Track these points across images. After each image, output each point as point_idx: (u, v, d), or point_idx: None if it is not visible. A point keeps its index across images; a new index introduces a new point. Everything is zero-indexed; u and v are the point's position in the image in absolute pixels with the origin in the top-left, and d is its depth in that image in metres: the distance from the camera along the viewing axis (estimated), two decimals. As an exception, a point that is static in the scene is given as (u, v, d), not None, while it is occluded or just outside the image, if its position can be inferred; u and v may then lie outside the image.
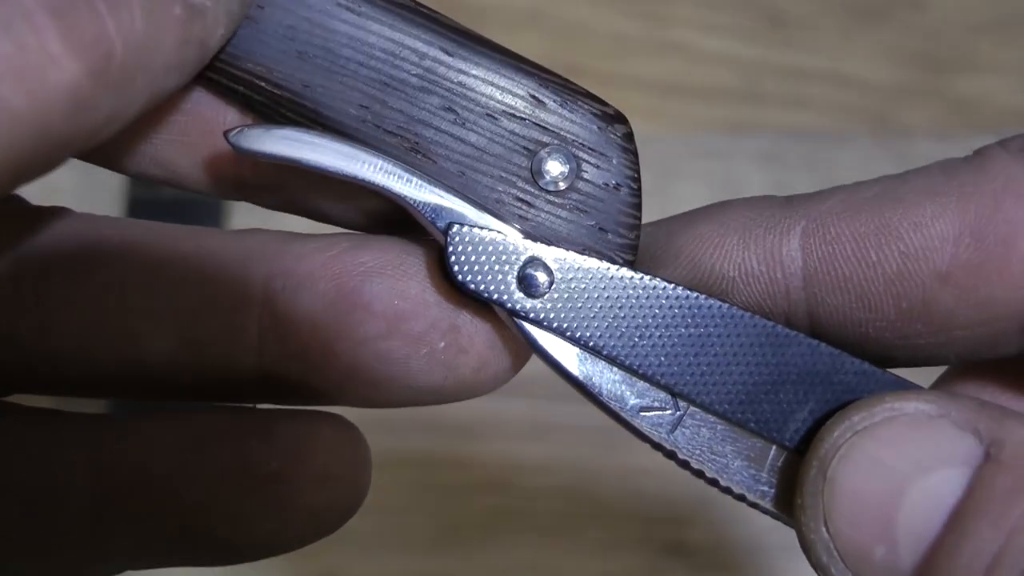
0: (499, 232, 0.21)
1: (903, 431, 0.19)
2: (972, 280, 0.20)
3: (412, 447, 0.50)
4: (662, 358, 0.21)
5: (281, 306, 0.22)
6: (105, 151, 0.22)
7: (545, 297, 0.21)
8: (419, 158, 0.21)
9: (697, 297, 0.21)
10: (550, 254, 0.21)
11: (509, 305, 0.21)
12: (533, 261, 0.21)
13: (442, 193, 0.21)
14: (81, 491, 0.22)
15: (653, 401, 0.21)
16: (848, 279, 0.21)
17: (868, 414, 0.19)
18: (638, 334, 0.21)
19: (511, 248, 0.21)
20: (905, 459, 0.19)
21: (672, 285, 0.21)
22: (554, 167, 0.21)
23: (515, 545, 0.50)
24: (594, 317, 0.21)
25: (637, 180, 0.22)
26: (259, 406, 0.23)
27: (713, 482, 0.22)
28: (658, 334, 0.21)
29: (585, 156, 0.21)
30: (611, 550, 0.50)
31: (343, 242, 0.22)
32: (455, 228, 0.21)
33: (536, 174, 0.21)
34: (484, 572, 0.50)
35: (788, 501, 0.21)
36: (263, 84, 0.21)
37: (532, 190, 0.21)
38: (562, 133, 0.21)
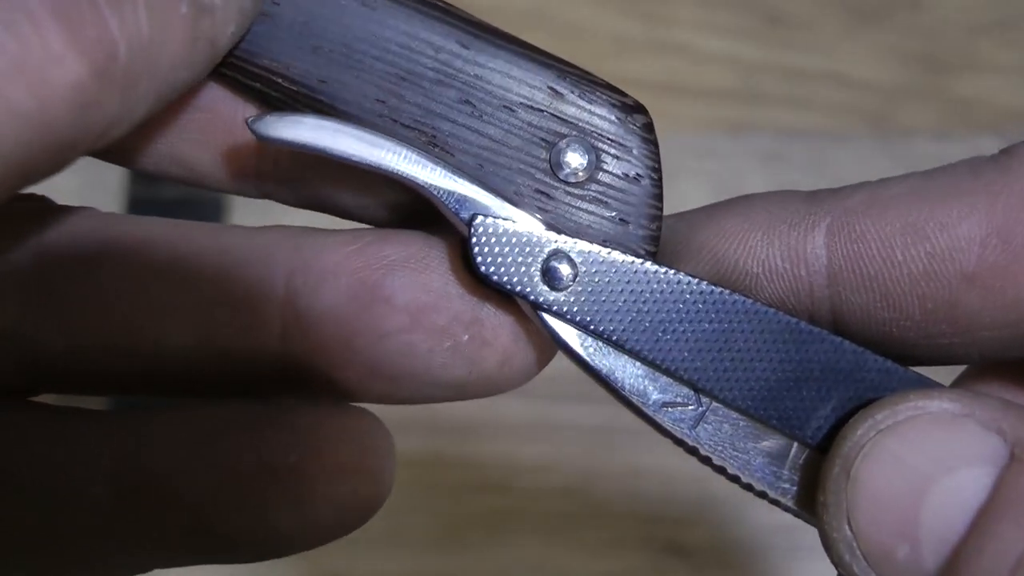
0: (523, 224, 0.21)
1: (927, 430, 0.19)
2: (999, 282, 0.19)
3: (412, 447, 0.50)
4: (685, 353, 0.21)
5: (302, 301, 0.21)
6: (124, 149, 0.22)
7: (568, 290, 0.21)
8: (437, 151, 0.21)
9: (721, 292, 0.21)
10: (574, 247, 0.21)
11: (532, 298, 0.21)
12: (557, 253, 0.21)
13: (466, 183, 0.21)
14: (99, 489, 0.22)
15: (676, 396, 0.21)
16: (873, 278, 0.20)
17: (892, 412, 0.19)
18: (661, 328, 0.21)
19: (535, 240, 0.21)
20: (929, 458, 0.19)
21: (696, 280, 0.21)
22: (573, 159, 0.21)
23: (515, 545, 0.50)
24: (617, 311, 0.21)
25: (658, 170, 0.22)
26: (279, 400, 0.23)
27: (735, 478, 0.22)
28: (681, 329, 0.21)
29: (605, 147, 0.21)
30: (611, 550, 0.50)
31: (365, 236, 0.22)
32: (479, 219, 0.21)
33: (555, 166, 0.21)
34: (484, 572, 0.50)
35: (809, 498, 0.21)
36: (279, 80, 0.21)
37: (551, 182, 0.21)
38: (581, 124, 0.21)
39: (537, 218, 0.21)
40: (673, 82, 0.58)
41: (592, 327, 0.21)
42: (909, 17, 0.61)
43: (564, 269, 0.21)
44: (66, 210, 0.23)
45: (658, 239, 0.22)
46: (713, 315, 0.21)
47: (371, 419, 0.23)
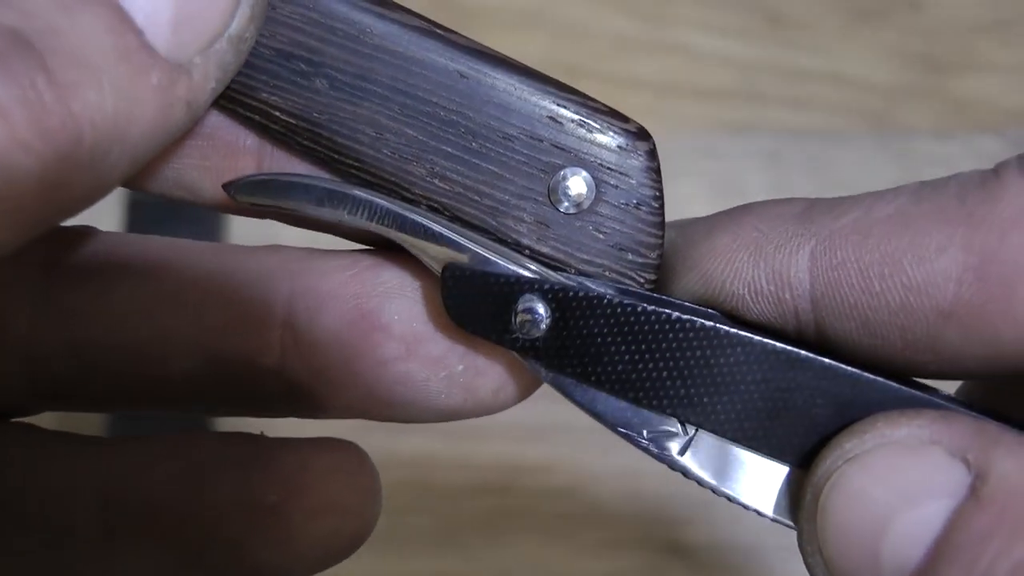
0: (498, 267, 0.21)
1: (892, 460, 0.19)
2: (975, 319, 0.19)
3: (412, 447, 0.50)
4: (665, 386, 0.21)
5: (302, 325, 0.22)
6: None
7: (544, 335, 0.21)
8: (437, 183, 0.21)
9: (697, 323, 0.21)
10: (549, 288, 0.21)
11: (507, 344, 0.21)
12: (532, 299, 0.21)
13: (440, 230, 0.21)
14: (89, 517, 0.22)
15: (661, 425, 0.21)
16: (853, 307, 0.20)
17: (859, 442, 0.19)
18: (640, 366, 0.21)
19: (509, 285, 0.21)
20: (892, 490, 0.18)
21: (671, 312, 0.21)
22: (572, 188, 0.21)
23: (515, 545, 0.50)
24: (595, 352, 0.21)
25: (659, 198, 0.21)
26: (266, 433, 0.23)
27: (728, 498, 0.21)
28: (659, 363, 0.21)
29: (605, 177, 0.21)
30: (611, 550, 0.50)
31: (364, 260, 0.22)
32: (449, 269, 0.21)
33: (554, 196, 0.21)
34: (484, 572, 0.50)
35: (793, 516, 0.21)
36: (278, 114, 0.21)
37: (550, 212, 0.21)
38: (581, 154, 0.21)
39: (528, 252, 0.21)
40: (673, 82, 0.58)
41: (569, 369, 0.21)
42: (909, 17, 0.61)
43: (539, 313, 0.21)
44: (72, 231, 0.23)
45: (657, 267, 0.21)
46: (691, 346, 0.21)
47: (357, 454, 0.23)
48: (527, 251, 0.21)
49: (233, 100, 0.21)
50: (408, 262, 0.22)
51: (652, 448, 0.21)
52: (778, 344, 0.21)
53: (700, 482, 0.21)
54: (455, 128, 0.21)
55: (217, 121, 0.21)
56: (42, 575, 0.22)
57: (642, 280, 0.21)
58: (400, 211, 0.21)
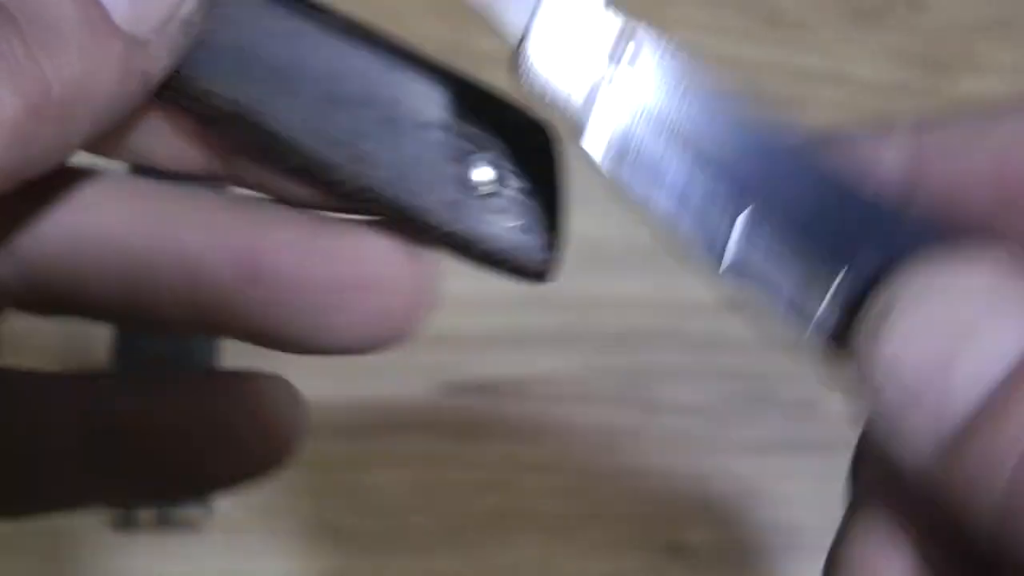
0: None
1: (984, 273, 0.19)
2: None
3: (412, 447, 0.50)
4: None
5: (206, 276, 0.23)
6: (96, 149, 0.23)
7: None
8: (365, 166, 0.23)
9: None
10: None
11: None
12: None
13: None
14: (69, 433, 0.24)
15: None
16: (951, 169, 0.22)
17: (960, 252, 0.19)
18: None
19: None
20: (971, 306, 0.19)
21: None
22: (479, 174, 0.23)
23: (515, 545, 0.50)
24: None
25: (556, 184, 0.23)
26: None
27: (770, 299, 0.22)
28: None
29: (506, 163, 0.23)
30: (611, 550, 0.50)
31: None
32: None
33: (463, 181, 0.23)
34: (484, 572, 0.50)
35: (842, 334, 0.21)
36: (218, 103, 0.22)
37: (461, 195, 0.23)
38: (486, 141, 0.23)
39: (446, 231, 0.23)
40: (673, 82, 0.58)
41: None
42: (909, 17, 0.61)
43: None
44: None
45: (555, 247, 0.23)
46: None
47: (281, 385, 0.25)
48: (440, 232, 0.23)
49: (174, 90, 0.22)
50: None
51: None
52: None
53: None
54: (378, 117, 0.23)
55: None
56: (19, 493, 0.25)
57: (539, 259, 0.23)
58: None
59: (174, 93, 0.22)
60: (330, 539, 0.51)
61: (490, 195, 0.23)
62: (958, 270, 0.19)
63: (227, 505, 0.46)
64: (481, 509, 0.50)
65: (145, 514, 0.45)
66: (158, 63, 0.21)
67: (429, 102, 0.23)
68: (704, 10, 0.60)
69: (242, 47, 0.22)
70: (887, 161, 0.22)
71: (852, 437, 0.23)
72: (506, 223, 0.23)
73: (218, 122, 0.22)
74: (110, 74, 0.19)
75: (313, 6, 0.23)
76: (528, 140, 0.24)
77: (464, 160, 0.23)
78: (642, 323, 0.54)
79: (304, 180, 0.23)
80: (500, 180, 0.23)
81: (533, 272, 0.23)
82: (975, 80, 0.60)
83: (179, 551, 0.48)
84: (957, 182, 0.21)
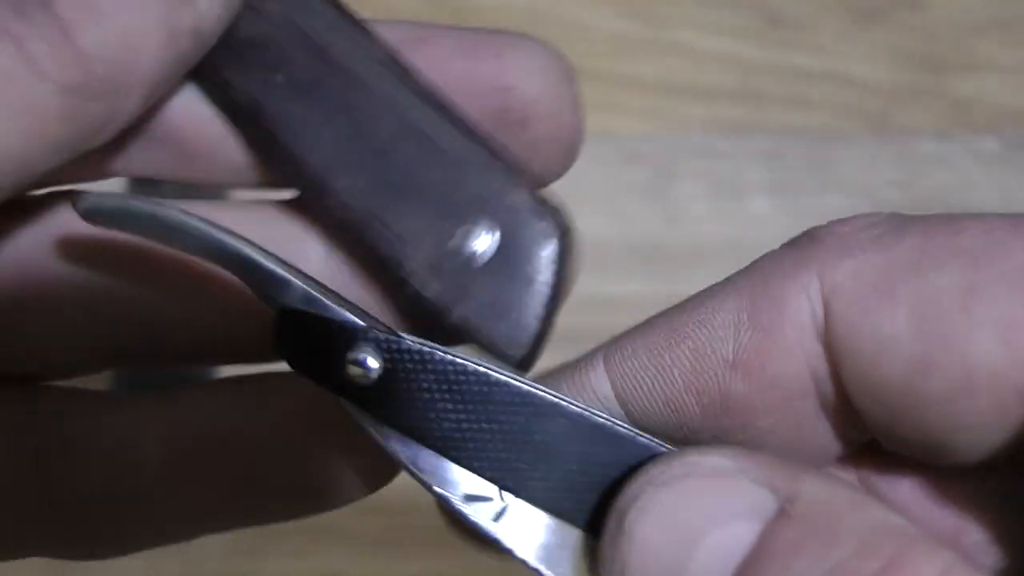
0: (332, 315, 0.21)
1: (699, 484, 0.19)
2: (757, 360, 0.20)
3: (412, 447, 0.50)
4: (487, 451, 0.21)
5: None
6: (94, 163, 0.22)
7: (373, 384, 0.21)
8: (352, 201, 0.21)
9: (521, 388, 0.21)
10: (383, 340, 0.21)
11: (337, 392, 0.21)
12: (364, 347, 0.21)
13: (276, 270, 0.21)
14: (152, 452, 0.23)
15: (479, 489, 0.21)
16: (651, 387, 0.21)
17: (667, 467, 0.19)
18: (464, 426, 0.21)
19: (342, 333, 0.21)
20: (699, 512, 0.19)
21: (501, 373, 0.21)
22: (476, 243, 0.21)
23: (515, 545, 0.50)
24: (420, 408, 0.21)
25: (553, 283, 0.22)
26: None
27: (537, 572, 0.21)
28: (484, 427, 0.21)
29: (509, 241, 0.21)
30: (611, 550, 0.50)
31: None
32: (285, 309, 0.21)
33: (456, 244, 0.21)
34: (484, 572, 0.50)
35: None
36: (234, 94, 0.21)
37: (447, 259, 0.21)
38: (495, 214, 0.21)
39: (420, 289, 0.21)
40: (673, 82, 0.58)
41: (393, 422, 0.21)
42: (909, 17, 0.61)
43: (372, 362, 0.21)
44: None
45: (534, 346, 0.22)
46: (515, 412, 0.21)
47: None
48: (412, 290, 0.22)
49: (199, 73, 0.21)
50: None
51: (466, 512, 0.21)
52: (599, 417, 0.21)
53: (511, 554, 0.21)
54: (385, 157, 0.21)
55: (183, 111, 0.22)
56: (102, 515, 0.23)
57: (511, 353, 0.22)
58: (242, 249, 0.21)
59: (196, 74, 0.21)
60: (330, 539, 0.51)
61: (477, 268, 0.21)
62: (681, 473, 0.19)
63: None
64: (481, 509, 0.50)
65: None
66: (210, 15, 0.20)
67: (446, 156, 0.21)
68: (704, 10, 0.60)
69: (274, 46, 0.22)
70: (595, 389, 0.22)
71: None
72: (485, 302, 0.22)
73: (229, 111, 0.22)
74: (154, 39, 0.19)
75: (359, 27, 0.22)
76: (537, 226, 0.22)
77: (461, 223, 0.21)
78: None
79: (301, 194, 0.22)
80: (493, 256, 0.21)
81: (505, 358, 0.22)
82: (975, 80, 0.60)
83: (179, 551, 0.48)
84: (659, 393, 0.21)
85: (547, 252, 0.22)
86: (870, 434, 0.21)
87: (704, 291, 0.22)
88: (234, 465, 0.23)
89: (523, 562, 0.21)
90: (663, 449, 0.21)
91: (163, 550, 0.24)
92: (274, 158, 0.22)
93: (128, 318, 0.23)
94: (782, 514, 0.18)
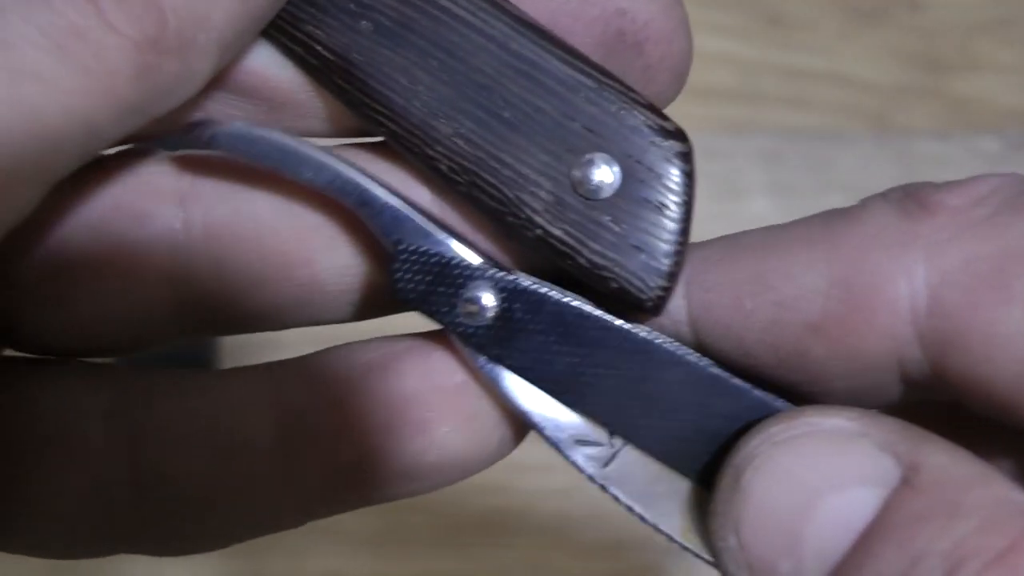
0: (450, 253, 0.21)
1: (820, 446, 0.19)
2: (841, 332, 0.19)
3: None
4: (600, 396, 0.21)
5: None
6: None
7: (488, 323, 0.21)
8: (461, 144, 0.20)
9: (643, 336, 0.20)
10: (501, 279, 0.21)
11: (449, 326, 0.21)
12: (480, 286, 0.21)
13: (398, 205, 0.21)
14: (265, 434, 0.22)
15: (589, 435, 0.21)
16: (728, 327, 0.20)
17: (787, 426, 0.19)
18: (579, 369, 0.21)
19: (461, 270, 0.21)
20: (819, 474, 0.18)
21: (620, 322, 0.20)
22: (599, 174, 0.20)
23: (515, 545, 0.50)
24: (536, 349, 0.21)
25: (684, 204, 0.20)
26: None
27: (641, 518, 0.21)
28: (600, 372, 0.20)
29: (633, 170, 0.20)
30: (611, 550, 0.50)
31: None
32: (403, 245, 0.20)
33: (577, 179, 0.20)
34: (484, 572, 0.50)
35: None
36: (319, 48, 0.20)
37: (571, 194, 0.20)
38: (613, 142, 0.20)
39: (547, 230, 0.21)
40: (673, 82, 0.58)
41: (509, 362, 0.21)
42: (909, 17, 0.61)
43: (486, 301, 0.20)
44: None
45: (673, 275, 0.20)
46: (631, 357, 0.20)
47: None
48: (539, 230, 0.21)
49: (279, 29, 0.21)
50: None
51: (577, 457, 0.21)
52: (715, 369, 0.21)
53: (616, 498, 0.21)
54: (489, 93, 0.20)
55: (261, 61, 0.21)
56: (214, 499, 0.22)
57: (652, 285, 0.20)
58: (362, 183, 0.20)
59: (278, 32, 0.20)
60: (330, 539, 0.51)
61: (604, 200, 0.20)
62: (802, 432, 0.19)
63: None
64: (481, 509, 0.50)
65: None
66: None
67: (552, 87, 0.20)
68: (704, 10, 0.60)
69: None
70: (670, 310, 0.21)
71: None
72: (617, 236, 0.20)
73: (315, 69, 0.21)
74: None
75: None
76: (659, 148, 0.20)
77: (581, 157, 0.20)
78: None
79: (399, 144, 0.21)
80: (619, 186, 0.20)
81: (639, 300, 0.20)
82: (975, 80, 0.60)
83: (179, 551, 0.48)
84: (735, 335, 0.20)
85: (675, 175, 0.20)
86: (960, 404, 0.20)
87: (797, 226, 0.21)
88: (347, 441, 0.22)
89: (629, 508, 0.21)
90: (780, 405, 0.20)
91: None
92: (369, 108, 0.21)
93: (220, 283, 0.22)
94: (905, 484, 0.18)
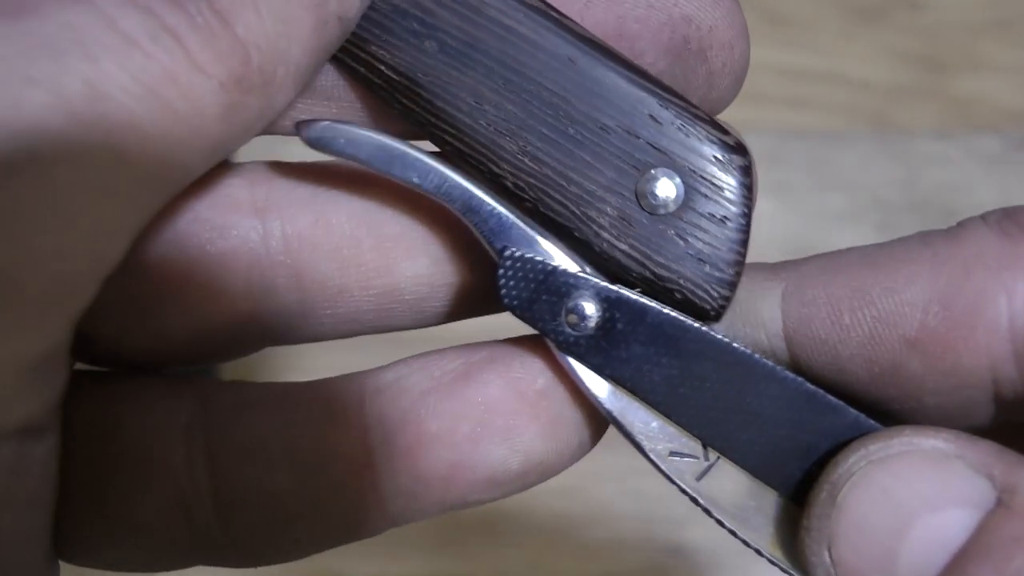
0: (556, 260, 0.21)
1: (917, 466, 0.19)
2: (939, 347, 0.20)
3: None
4: (698, 409, 0.21)
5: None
6: None
7: (590, 333, 0.21)
8: (527, 162, 0.21)
9: (742, 352, 0.21)
10: (604, 290, 0.21)
11: (551, 335, 0.21)
12: (585, 296, 0.21)
13: (505, 213, 0.21)
14: (355, 443, 0.22)
15: (683, 447, 0.21)
16: (824, 341, 0.21)
17: (885, 445, 0.19)
18: (678, 382, 0.21)
19: (564, 279, 0.21)
20: (915, 494, 0.19)
21: (720, 337, 0.21)
22: (662, 190, 0.21)
23: (515, 545, 0.50)
24: (636, 359, 0.21)
25: (747, 216, 0.21)
26: None
27: (732, 532, 0.21)
28: (698, 384, 0.21)
29: (696, 184, 0.21)
30: (611, 551, 0.50)
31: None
32: (509, 251, 0.21)
33: (642, 194, 0.21)
34: (484, 572, 0.50)
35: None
36: (383, 68, 0.21)
37: (635, 209, 0.21)
38: (676, 157, 0.21)
39: (613, 244, 0.21)
40: (673, 82, 0.58)
41: (608, 371, 0.21)
42: (909, 17, 0.61)
43: (588, 311, 0.21)
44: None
45: (734, 284, 0.21)
46: (730, 373, 0.21)
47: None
48: (605, 245, 0.21)
49: (342, 50, 0.21)
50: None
51: (669, 468, 0.21)
52: (810, 386, 0.21)
53: (709, 512, 0.21)
54: (555, 111, 0.21)
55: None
56: (307, 509, 0.22)
57: (716, 295, 0.21)
58: (470, 188, 0.21)
59: (342, 52, 0.21)
60: (330, 539, 0.51)
61: (667, 215, 0.21)
62: (899, 452, 0.19)
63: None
64: (481, 509, 0.50)
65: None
66: (352, 3, 0.19)
67: (615, 104, 0.21)
68: (704, 10, 0.60)
69: (420, 12, 0.21)
70: (765, 322, 0.21)
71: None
72: (681, 249, 0.21)
73: (380, 88, 0.21)
74: (304, 26, 0.18)
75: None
76: (721, 163, 0.21)
77: (644, 173, 0.21)
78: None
79: (465, 161, 0.21)
80: (683, 201, 0.21)
81: (703, 310, 0.21)
82: (975, 80, 0.60)
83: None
84: (831, 350, 0.21)
85: (737, 188, 0.21)
86: None
87: (896, 245, 0.21)
88: (432, 451, 0.22)
89: (719, 522, 0.21)
90: (874, 424, 0.21)
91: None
92: (435, 127, 0.21)
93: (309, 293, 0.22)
94: (1000, 505, 0.18)
